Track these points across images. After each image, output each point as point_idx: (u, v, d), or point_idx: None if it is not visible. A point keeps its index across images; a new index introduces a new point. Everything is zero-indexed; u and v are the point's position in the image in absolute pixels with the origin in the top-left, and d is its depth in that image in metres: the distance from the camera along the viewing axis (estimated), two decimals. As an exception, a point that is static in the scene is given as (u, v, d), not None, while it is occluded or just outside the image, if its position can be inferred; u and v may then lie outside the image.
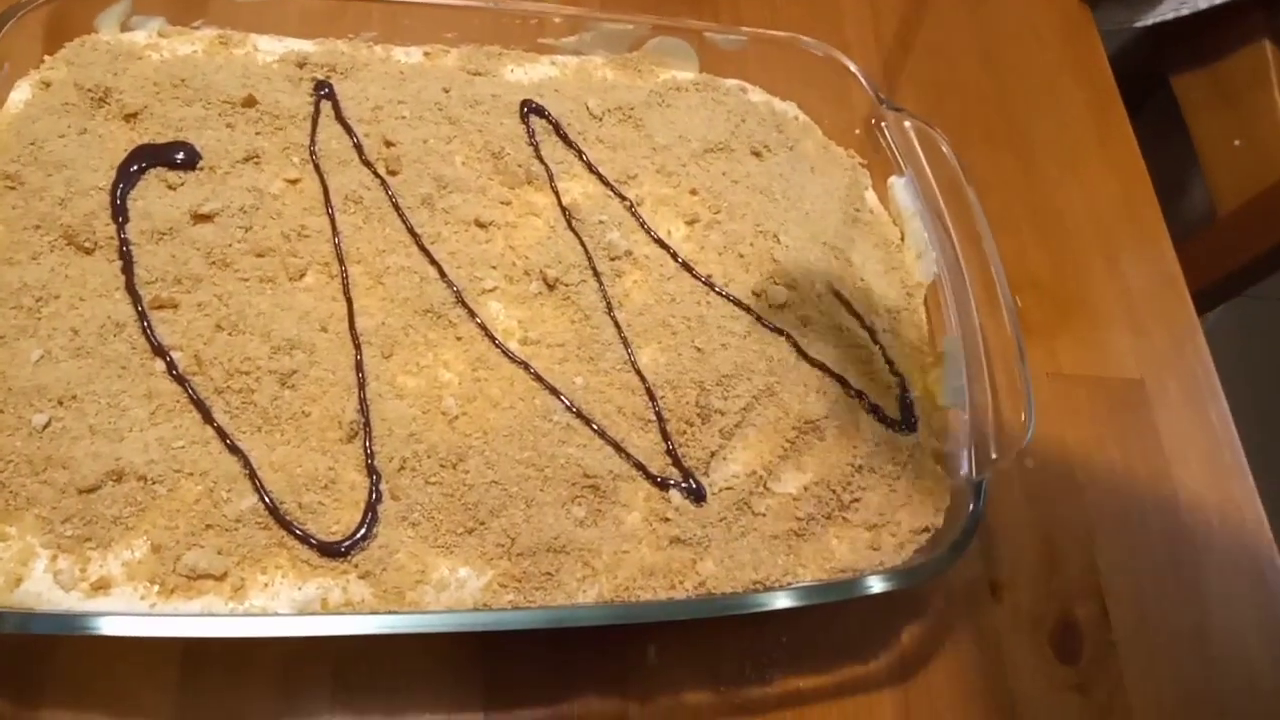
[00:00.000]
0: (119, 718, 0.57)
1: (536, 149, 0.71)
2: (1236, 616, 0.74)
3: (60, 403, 0.56)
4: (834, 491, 0.63)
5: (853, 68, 0.79)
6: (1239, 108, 1.07)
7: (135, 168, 0.63)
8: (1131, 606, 0.74)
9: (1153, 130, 1.05)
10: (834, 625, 0.68)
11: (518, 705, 0.61)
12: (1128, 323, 0.88)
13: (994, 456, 0.65)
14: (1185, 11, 1.05)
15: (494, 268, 0.66)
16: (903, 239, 0.76)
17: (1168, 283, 0.91)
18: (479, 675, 0.62)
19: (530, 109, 0.73)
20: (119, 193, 0.62)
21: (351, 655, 0.60)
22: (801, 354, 0.67)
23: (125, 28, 0.71)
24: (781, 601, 0.58)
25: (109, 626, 0.50)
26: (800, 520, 0.62)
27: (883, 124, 0.78)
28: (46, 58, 0.68)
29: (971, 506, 0.63)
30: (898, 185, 0.76)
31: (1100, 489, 0.79)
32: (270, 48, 0.72)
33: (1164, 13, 1.08)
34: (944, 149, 0.76)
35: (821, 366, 0.67)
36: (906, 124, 0.77)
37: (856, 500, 0.64)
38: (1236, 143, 1.06)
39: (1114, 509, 0.78)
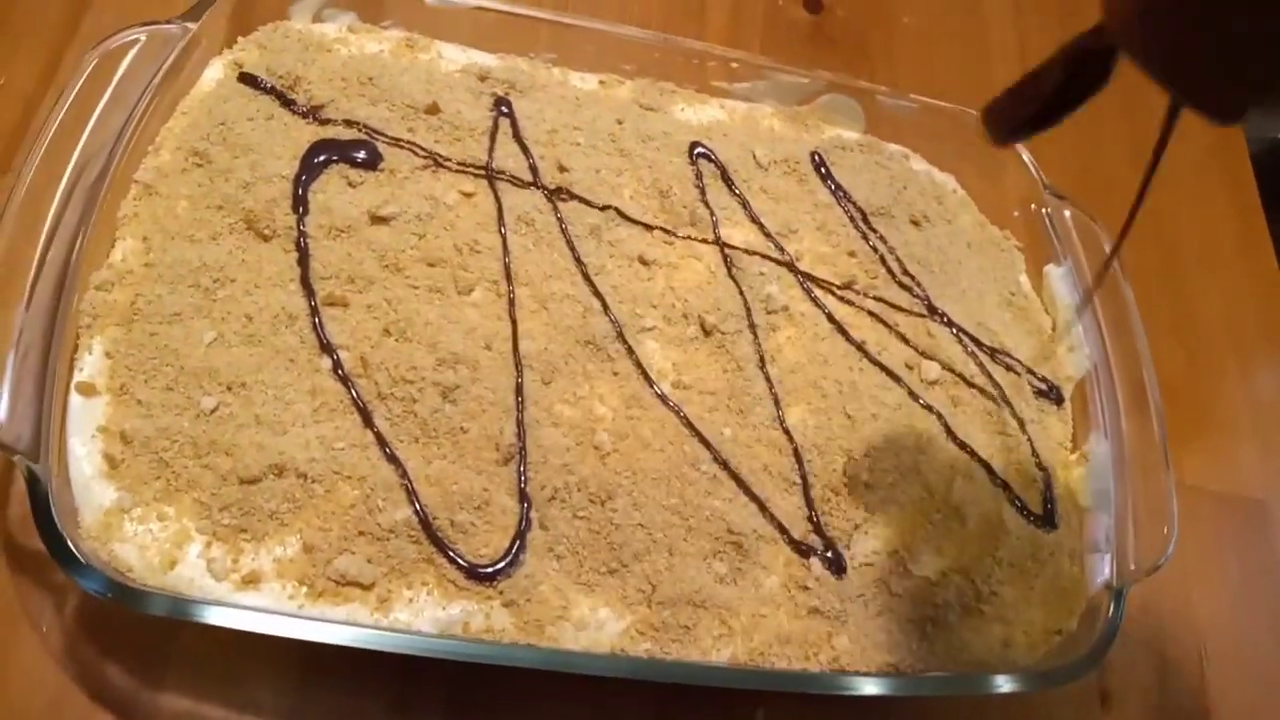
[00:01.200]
0: (235, 710, 0.57)
1: (703, 192, 0.71)
2: (1349, 760, 0.72)
3: (229, 388, 0.56)
4: (972, 581, 0.62)
5: (1020, 148, 0.78)
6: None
7: (319, 160, 0.64)
8: (1240, 736, 0.72)
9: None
10: (949, 715, 0.66)
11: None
12: (1256, 439, 0.86)
13: (1133, 566, 0.63)
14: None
15: (654, 307, 0.65)
16: (1054, 329, 0.75)
17: (1299, 402, 0.89)
18: (586, 714, 0.61)
19: (699, 151, 0.73)
20: (301, 183, 0.62)
21: (469, 679, 0.59)
22: (950, 435, 0.66)
23: (317, 19, 0.72)
24: (916, 689, 0.57)
25: (261, 624, 0.49)
26: (937, 607, 0.60)
27: (1045, 210, 0.77)
28: (240, 39, 0.69)
29: (1110, 614, 0.61)
30: (1055, 274, 0.75)
31: (1216, 608, 0.77)
32: (454, 56, 0.73)
33: (1312, 126, 1.06)
34: (1104, 242, 0.75)
35: (969, 451, 0.66)
36: (1066, 212, 0.76)
37: (994, 594, 0.62)
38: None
39: (1228, 631, 0.76)
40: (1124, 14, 0.37)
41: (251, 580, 0.52)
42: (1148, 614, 0.75)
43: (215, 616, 0.49)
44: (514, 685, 0.60)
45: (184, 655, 0.57)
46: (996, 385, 0.69)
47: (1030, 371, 0.71)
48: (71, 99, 0.59)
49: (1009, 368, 0.71)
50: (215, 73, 0.66)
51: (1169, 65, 0.36)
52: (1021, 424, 0.68)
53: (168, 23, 0.64)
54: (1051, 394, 0.71)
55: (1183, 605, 0.76)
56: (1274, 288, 0.95)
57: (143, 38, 0.63)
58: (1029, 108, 0.45)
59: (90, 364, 0.55)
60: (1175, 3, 0.34)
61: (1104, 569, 0.64)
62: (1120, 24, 0.37)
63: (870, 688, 0.56)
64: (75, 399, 0.54)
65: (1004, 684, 0.58)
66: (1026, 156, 0.78)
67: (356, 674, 0.59)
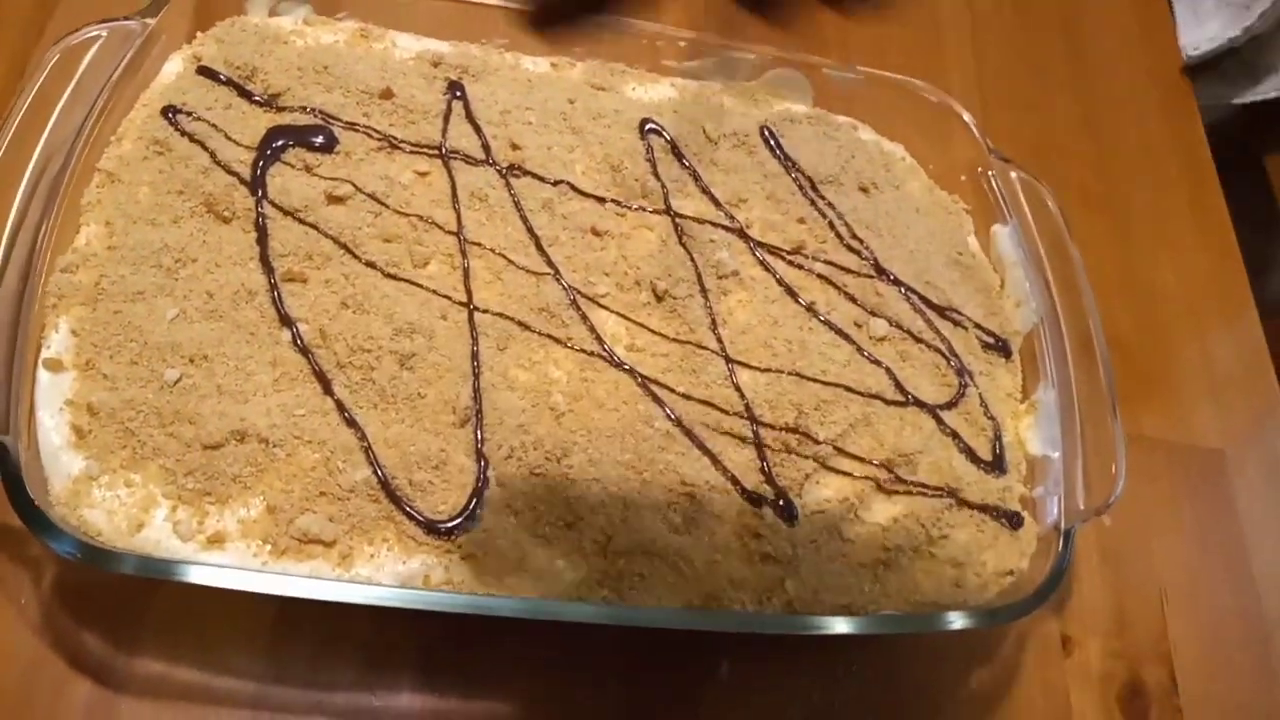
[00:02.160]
0: (209, 673, 0.59)
1: (654, 165, 0.73)
2: (1308, 696, 0.74)
3: (191, 361, 0.58)
4: (923, 526, 0.64)
5: (965, 116, 0.80)
6: (1333, 190, 1.07)
7: (276, 145, 0.66)
8: (1200, 676, 0.74)
9: (1241, 208, 1.05)
10: (906, 662, 0.68)
11: (593, 701, 0.62)
12: (1211, 394, 0.88)
13: (1081, 507, 0.65)
14: (1281, 92, 1.06)
15: (607, 274, 0.67)
16: (1002, 286, 0.77)
17: (1253, 357, 0.91)
18: (558, 673, 0.63)
19: (650, 127, 0.75)
20: (259, 167, 0.65)
21: (439, 637, 0.61)
22: (899, 387, 0.68)
23: (273, 13, 0.74)
24: (866, 627, 0.59)
25: (223, 579, 0.51)
26: (888, 551, 0.62)
27: (990, 173, 0.79)
28: (199, 34, 0.71)
29: (1059, 554, 0.63)
30: (1001, 233, 0.77)
31: (1175, 555, 0.79)
32: (407, 45, 0.75)
33: (1265, 92, 1.08)
34: (1049, 203, 0.77)
35: (918, 402, 0.68)
36: (1013, 175, 0.78)
37: (944, 536, 0.64)
38: (1329, 225, 1.06)
39: (1187, 576, 0.78)
40: None
41: (216, 540, 0.54)
42: (1107, 561, 0.77)
43: (181, 574, 0.51)
44: (481, 642, 0.62)
45: (157, 621, 0.59)
46: (944, 340, 0.71)
47: (978, 326, 0.73)
48: (34, 94, 0.61)
49: (957, 323, 0.73)
50: (175, 66, 0.69)
51: None
52: (970, 376, 0.70)
53: (127, 19, 0.67)
54: (999, 347, 0.73)
55: (1142, 553, 0.78)
56: (1227, 249, 0.97)
57: (104, 34, 0.65)
58: None
59: (57, 342, 0.57)
60: None
61: (1053, 511, 0.66)
62: None
63: (822, 628, 0.58)
64: (43, 375, 0.56)
65: (955, 620, 0.59)
66: (971, 122, 0.80)
67: (327, 635, 0.60)
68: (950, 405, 0.69)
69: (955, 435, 0.67)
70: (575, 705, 0.62)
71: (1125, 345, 0.88)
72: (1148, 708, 0.72)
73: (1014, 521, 0.66)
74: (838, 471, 0.64)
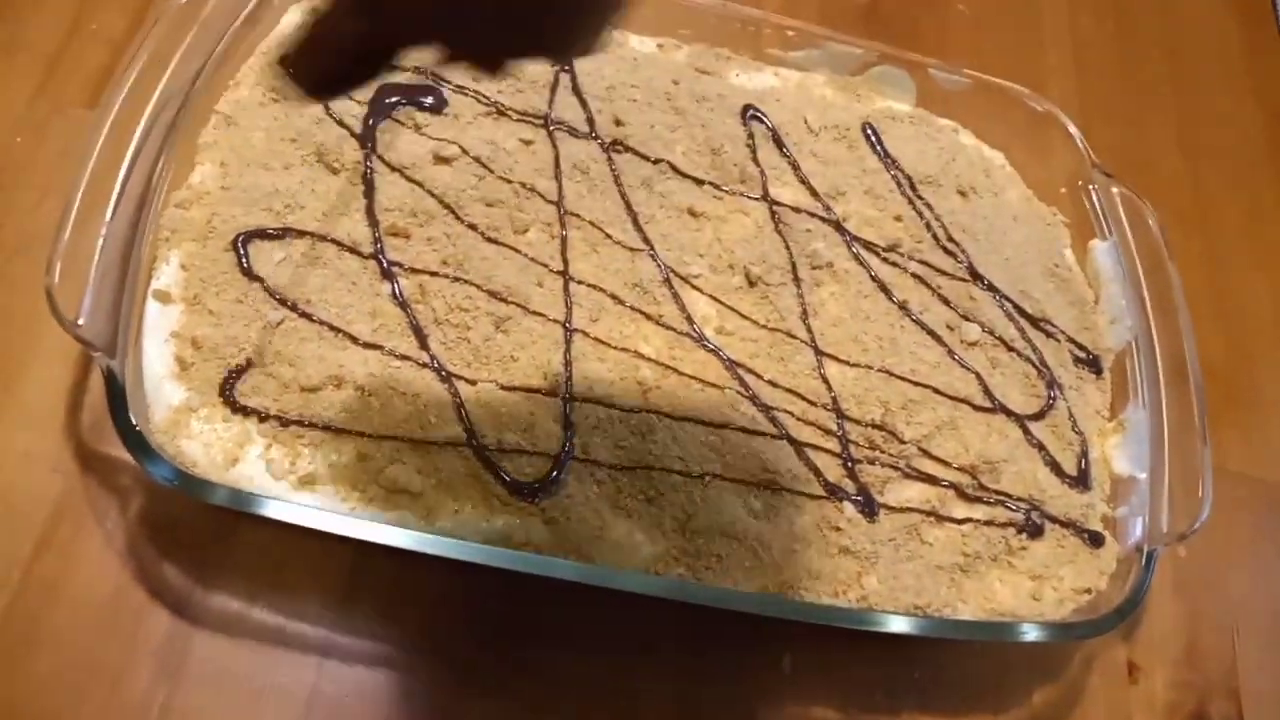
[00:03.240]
0: (282, 616, 0.59)
1: (754, 152, 0.73)
2: (1379, 745, 0.72)
3: (294, 305, 0.58)
4: (1003, 535, 0.63)
5: (1070, 127, 0.79)
6: None
7: (388, 102, 0.67)
8: (1270, 713, 0.72)
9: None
10: (971, 670, 0.67)
11: (648, 680, 0.62)
12: (1296, 429, 0.86)
13: (1165, 530, 0.64)
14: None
15: (701, 256, 0.67)
16: (1096, 302, 0.76)
17: (1342, 394, 0.89)
18: (615, 647, 0.62)
19: (752, 114, 0.75)
20: (370, 123, 0.66)
21: (502, 599, 0.61)
22: (988, 394, 0.67)
23: (392, -28, 0.75)
24: (941, 630, 0.58)
25: (314, 519, 0.52)
26: (967, 556, 0.62)
27: (1091, 186, 0.78)
28: (317, -12, 0.72)
29: (1139, 575, 0.62)
30: (1099, 249, 0.76)
31: (1249, 591, 0.77)
32: (519, 15, 0.75)
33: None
34: (1150, 221, 0.76)
35: (1006, 410, 0.67)
36: (1114, 190, 0.77)
37: (1024, 548, 0.63)
38: None
39: (1260, 614, 0.76)
40: None
41: (308, 481, 0.54)
42: (1181, 592, 0.75)
43: (270, 509, 0.52)
44: (548, 610, 0.62)
45: (237, 561, 0.59)
46: (1036, 350, 0.70)
47: (1070, 340, 0.72)
48: (157, 39, 0.62)
49: (1049, 335, 0.72)
50: (294, 18, 0.70)
51: None
52: (1060, 389, 0.69)
53: (252, -32, 0.68)
54: (1091, 363, 0.72)
55: (1216, 586, 0.76)
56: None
57: (229, -19, 0.66)
58: None
59: (167, 274, 0.58)
60: None
61: (1135, 532, 0.65)
62: None
63: (896, 625, 0.57)
64: (152, 305, 0.57)
65: (1029, 632, 0.59)
66: (1076, 134, 0.79)
67: (398, 591, 0.61)
68: (1038, 417, 0.68)
69: (1041, 447, 0.66)
70: (630, 684, 0.62)
71: (1215, 371, 0.86)
72: (1212, 742, 0.71)
73: (1095, 540, 0.65)
74: (921, 473, 0.63)
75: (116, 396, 0.52)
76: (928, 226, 0.74)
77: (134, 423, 0.51)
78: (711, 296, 0.66)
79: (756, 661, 0.64)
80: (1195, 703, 0.71)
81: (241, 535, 0.60)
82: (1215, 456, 0.81)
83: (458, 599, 0.61)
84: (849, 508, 0.61)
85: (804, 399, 0.64)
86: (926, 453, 0.64)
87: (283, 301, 0.58)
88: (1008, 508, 0.64)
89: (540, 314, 0.62)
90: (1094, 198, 0.77)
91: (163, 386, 0.55)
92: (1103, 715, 0.69)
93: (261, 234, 0.60)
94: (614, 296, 0.64)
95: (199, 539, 0.60)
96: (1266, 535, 0.80)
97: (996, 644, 0.67)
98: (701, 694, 0.63)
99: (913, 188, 0.75)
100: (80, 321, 0.52)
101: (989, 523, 0.63)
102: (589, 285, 0.64)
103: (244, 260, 0.59)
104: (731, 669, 0.64)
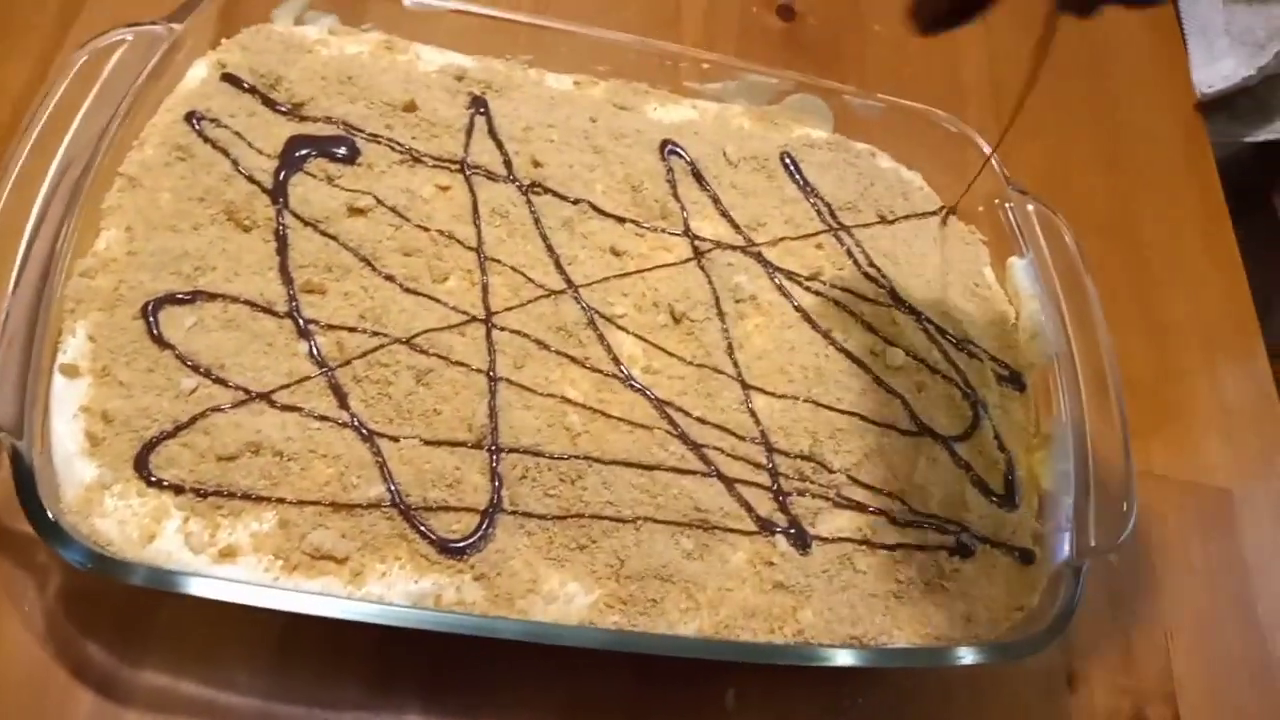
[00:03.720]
0: (214, 688, 0.58)
1: (674, 187, 0.73)
2: (1313, 737, 0.74)
3: (208, 371, 0.57)
4: (935, 559, 0.63)
5: (985, 148, 0.80)
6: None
7: (298, 154, 0.66)
8: (1205, 715, 0.74)
9: (1249, 246, 1.06)
10: (912, 694, 0.68)
11: (597, 722, 0.62)
12: (1221, 432, 0.88)
13: (1094, 544, 0.65)
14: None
15: (625, 295, 0.67)
16: (1017, 319, 0.77)
17: (1262, 396, 0.91)
18: (562, 695, 0.62)
19: (670, 149, 0.75)
20: (281, 177, 0.65)
21: (445, 657, 0.61)
22: (914, 418, 0.68)
23: (299, 21, 0.74)
24: (880, 660, 0.58)
25: (236, 594, 0.51)
26: (900, 583, 0.62)
27: (1007, 204, 0.79)
28: (224, 41, 0.71)
29: (1070, 590, 0.63)
30: (1018, 266, 0.77)
31: (1181, 593, 0.78)
32: (431, 58, 0.75)
33: (1276, 130, 1.09)
34: (1066, 236, 0.77)
35: (932, 433, 0.67)
36: (1030, 207, 0.78)
37: (956, 570, 0.64)
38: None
39: (1193, 614, 0.78)
40: None
41: (228, 554, 0.53)
42: (1114, 600, 0.77)
43: (192, 586, 0.50)
44: (489, 663, 0.61)
45: (163, 634, 0.58)
46: (959, 371, 0.71)
47: (993, 358, 0.73)
48: (59, 96, 0.61)
49: (972, 354, 0.72)
50: (200, 72, 0.69)
51: None
52: (984, 408, 0.70)
53: (153, 24, 0.66)
54: (1013, 380, 0.73)
55: (1149, 591, 0.78)
56: (1238, 287, 0.97)
57: (129, 38, 0.65)
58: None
59: (74, 347, 0.57)
60: None
61: (1064, 548, 0.65)
62: None
63: (834, 658, 0.57)
64: (59, 380, 0.55)
65: (965, 656, 0.59)
66: (989, 151, 0.80)
67: (333, 653, 0.60)
68: (964, 437, 0.68)
69: (968, 467, 0.67)
70: (578, 730, 0.62)
71: (1136, 380, 0.87)
72: (1152, 746, 0.72)
73: (1025, 557, 0.66)
74: (851, 501, 0.64)
75: (24, 478, 0.50)
76: (849, 253, 0.74)
77: (44, 505, 0.50)
78: (637, 335, 0.66)
79: (700, 698, 0.64)
80: (1134, 708, 0.73)
81: (166, 609, 0.59)
82: (1141, 461, 0.83)
83: (398, 656, 0.60)
84: (781, 541, 0.61)
85: (733, 434, 0.64)
86: (856, 480, 0.64)
87: (195, 368, 0.57)
88: (938, 530, 0.64)
89: (463, 364, 0.61)
90: (1010, 215, 0.78)
91: (73, 464, 0.54)
92: (1044, 727, 0.70)
93: (171, 299, 0.59)
94: (538, 341, 0.64)
95: (122, 615, 0.58)
96: (1195, 536, 0.82)
97: (938, 667, 0.68)
98: (646, 732, 0.63)
99: (833, 214, 0.76)
100: (-17, 401, 0.51)
101: (920, 547, 0.64)
102: (512, 331, 0.63)
103: (154, 328, 0.58)
104: (675, 707, 0.64)
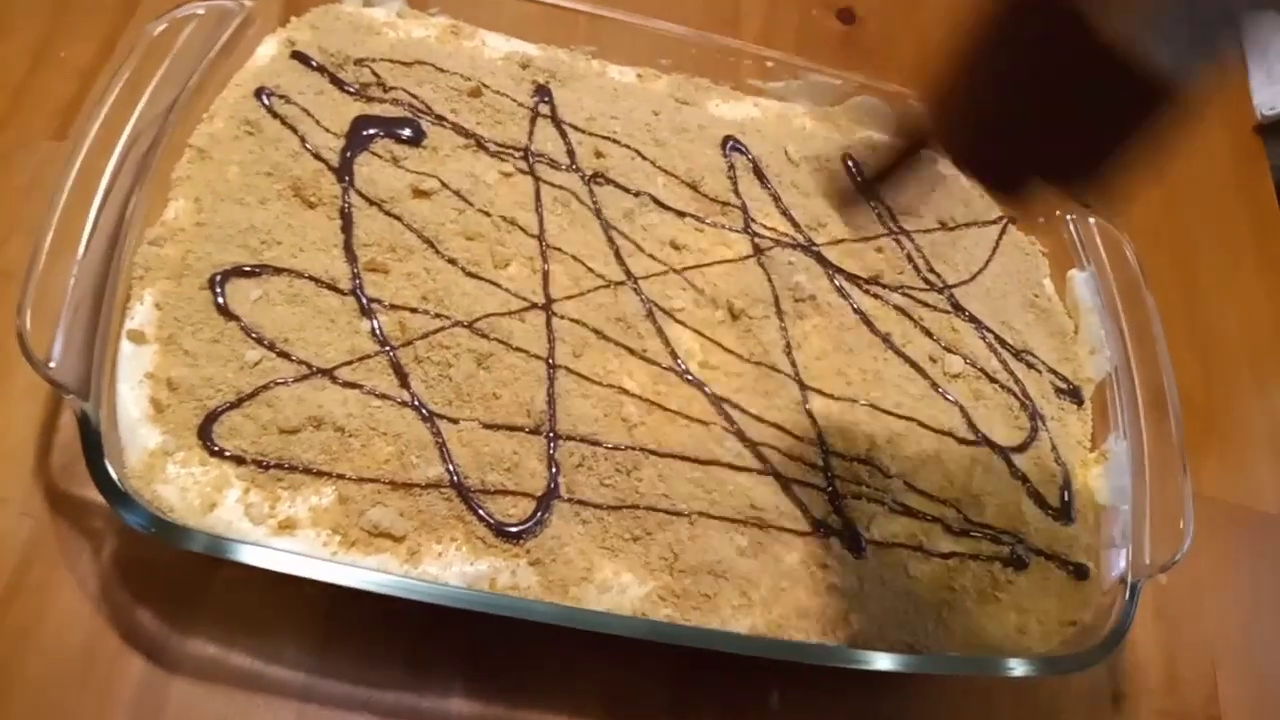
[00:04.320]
0: (260, 661, 0.58)
1: (735, 183, 0.73)
2: (1360, 772, 0.72)
3: (272, 344, 0.57)
4: (989, 569, 0.63)
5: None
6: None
7: (365, 134, 0.66)
8: (1250, 742, 0.73)
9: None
10: (955, 705, 0.67)
11: (641, 716, 0.61)
12: (1271, 454, 0.87)
13: (1148, 561, 0.64)
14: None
15: (684, 289, 0.67)
16: (1076, 332, 0.76)
17: (1315, 418, 0.90)
18: (604, 689, 0.62)
19: (732, 145, 0.75)
20: (347, 155, 0.65)
21: (487, 641, 0.60)
22: (972, 426, 0.67)
23: (367, 3, 0.74)
24: (931, 667, 0.58)
25: (296, 566, 0.51)
26: (953, 592, 0.61)
27: (1068, 217, 0.78)
28: (294, 19, 0.71)
29: (1124, 608, 0.62)
30: (1078, 279, 0.76)
31: (1228, 618, 0.77)
32: (497, 45, 0.75)
33: (1335, 155, 1.07)
34: (1127, 251, 0.76)
35: (989, 442, 0.67)
36: (1092, 220, 0.78)
37: (1010, 581, 0.63)
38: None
39: (1241, 639, 0.77)
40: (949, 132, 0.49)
41: (288, 526, 0.53)
42: (1161, 621, 0.76)
43: (250, 556, 0.50)
44: (533, 646, 0.61)
45: (213, 605, 0.58)
46: (1018, 382, 0.70)
47: (1052, 371, 0.72)
48: (131, 68, 0.61)
49: (1031, 366, 0.72)
50: (269, 49, 0.69)
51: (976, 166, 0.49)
52: (1042, 420, 0.69)
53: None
54: (1072, 394, 0.72)
55: (1196, 614, 0.77)
56: (1290, 303, 0.96)
57: (201, 11, 0.65)
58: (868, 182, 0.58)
59: (141, 314, 0.57)
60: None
61: (1119, 564, 0.65)
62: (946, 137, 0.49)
63: (884, 663, 0.57)
64: (126, 346, 0.56)
65: (1017, 667, 0.59)
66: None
67: (380, 632, 0.60)
68: (1021, 448, 0.68)
69: (1025, 479, 0.67)
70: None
71: (1192, 398, 0.87)
72: (1195, 770, 0.71)
73: (1080, 572, 0.65)
74: (906, 507, 0.63)
75: (90, 441, 0.50)
76: (909, 258, 0.74)
77: (109, 468, 0.50)
78: (695, 330, 0.66)
79: (745, 698, 0.64)
80: (1178, 730, 0.72)
81: (218, 579, 0.59)
82: (1193, 483, 0.83)
83: (441, 641, 0.60)
84: (835, 544, 0.60)
85: (790, 434, 0.63)
86: (911, 486, 0.64)
87: (260, 340, 0.57)
88: (993, 541, 0.64)
89: (523, 350, 0.61)
90: (1072, 228, 0.78)
91: (138, 430, 0.54)
92: (1087, 745, 0.69)
93: (238, 271, 0.59)
94: (597, 331, 0.63)
95: (174, 583, 0.58)
96: (1244, 560, 0.81)
97: (983, 677, 0.67)
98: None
99: (894, 218, 0.75)
100: (52, 364, 0.51)
101: (974, 556, 0.63)
102: (571, 320, 0.63)
103: (220, 299, 0.58)
104: (719, 705, 0.63)
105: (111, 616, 0.57)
